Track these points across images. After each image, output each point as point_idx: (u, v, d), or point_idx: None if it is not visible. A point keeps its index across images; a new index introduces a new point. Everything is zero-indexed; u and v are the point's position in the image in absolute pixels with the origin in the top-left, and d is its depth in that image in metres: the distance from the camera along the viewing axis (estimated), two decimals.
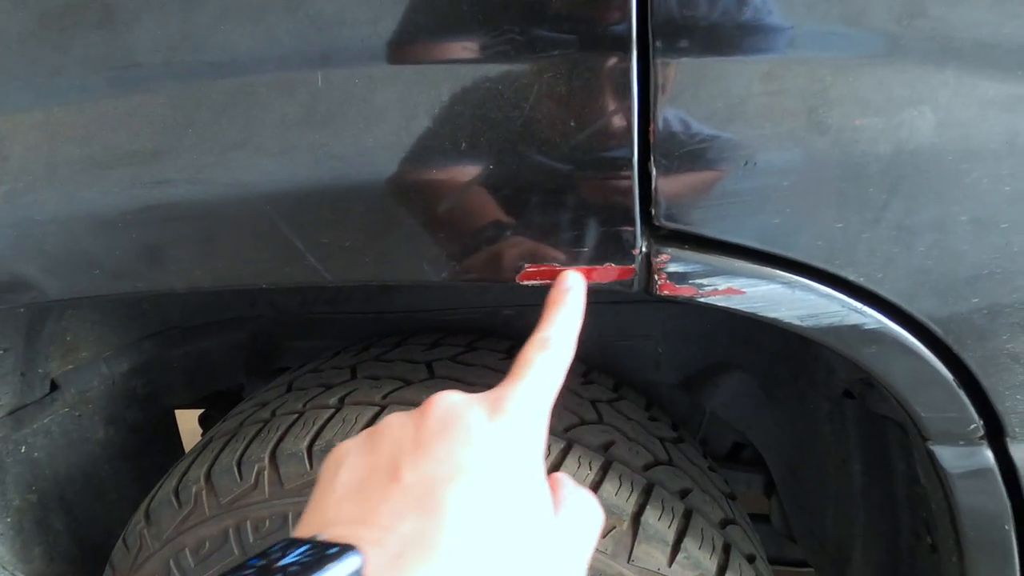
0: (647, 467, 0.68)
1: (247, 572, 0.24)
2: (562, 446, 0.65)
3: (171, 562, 0.70)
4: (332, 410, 0.68)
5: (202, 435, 1.30)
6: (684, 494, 0.68)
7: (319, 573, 0.23)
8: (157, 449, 1.10)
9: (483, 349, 0.81)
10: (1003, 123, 0.35)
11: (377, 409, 0.67)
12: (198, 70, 0.41)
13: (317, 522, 0.28)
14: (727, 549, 0.67)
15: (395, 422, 0.32)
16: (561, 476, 0.34)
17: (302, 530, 0.29)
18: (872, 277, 0.39)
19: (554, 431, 0.66)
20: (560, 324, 0.36)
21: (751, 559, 0.70)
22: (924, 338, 0.41)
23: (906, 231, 0.38)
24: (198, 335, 1.04)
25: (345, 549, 0.24)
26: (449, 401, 0.32)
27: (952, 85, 0.35)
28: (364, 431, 0.33)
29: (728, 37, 0.36)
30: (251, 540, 0.66)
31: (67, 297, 0.49)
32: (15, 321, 0.79)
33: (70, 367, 0.91)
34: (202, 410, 1.33)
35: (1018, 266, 0.38)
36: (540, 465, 0.31)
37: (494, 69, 0.38)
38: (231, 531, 0.66)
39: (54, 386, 0.89)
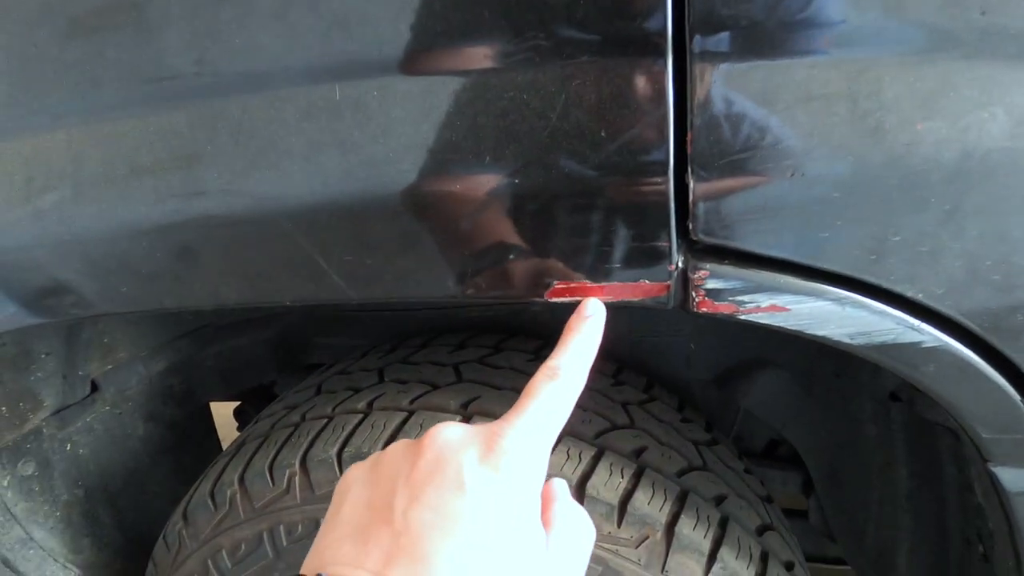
0: (681, 473, 0.66)
1: None
2: (593, 453, 0.63)
3: (208, 562, 0.71)
4: (361, 415, 0.68)
5: (237, 428, 1.33)
6: (719, 501, 0.66)
7: None
8: (194, 443, 1.13)
9: (510, 350, 0.79)
10: None
11: (405, 415, 0.66)
12: (214, 86, 0.40)
13: (318, 560, 0.29)
14: (764, 558, 0.65)
15: (396, 455, 0.32)
16: (555, 488, 0.34)
17: (307, 566, 0.30)
18: (932, 293, 0.36)
19: (584, 437, 0.65)
20: (573, 353, 0.35)
21: (789, 567, 0.68)
22: (989, 357, 0.38)
23: (971, 244, 0.35)
24: (230, 333, 1.05)
25: None
26: (444, 438, 0.31)
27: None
28: (373, 456, 0.34)
29: (772, 36, 0.33)
30: (284, 543, 0.67)
31: (90, 315, 0.49)
32: (55, 327, 0.81)
33: (109, 368, 0.94)
34: (238, 403, 1.36)
35: None
36: (534, 505, 0.31)
37: (518, 77, 0.36)
38: (265, 534, 0.67)
39: (94, 386, 0.92)
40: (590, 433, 0.65)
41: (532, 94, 0.36)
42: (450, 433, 0.32)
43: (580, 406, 0.67)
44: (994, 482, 0.42)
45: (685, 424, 0.77)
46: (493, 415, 0.65)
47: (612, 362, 0.83)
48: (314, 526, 0.65)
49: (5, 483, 0.84)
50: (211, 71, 0.39)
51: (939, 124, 0.33)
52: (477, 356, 0.78)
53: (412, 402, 0.68)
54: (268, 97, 0.39)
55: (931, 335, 0.37)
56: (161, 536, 0.78)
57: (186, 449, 1.11)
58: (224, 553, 0.70)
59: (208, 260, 0.45)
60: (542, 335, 0.86)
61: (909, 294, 0.36)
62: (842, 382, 0.80)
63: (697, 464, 0.69)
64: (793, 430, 0.91)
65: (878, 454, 0.78)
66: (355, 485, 0.32)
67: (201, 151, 0.41)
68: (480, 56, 0.36)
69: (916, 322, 0.37)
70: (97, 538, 1.00)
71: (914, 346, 0.38)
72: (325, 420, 0.69)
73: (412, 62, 0.37)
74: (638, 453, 0.65)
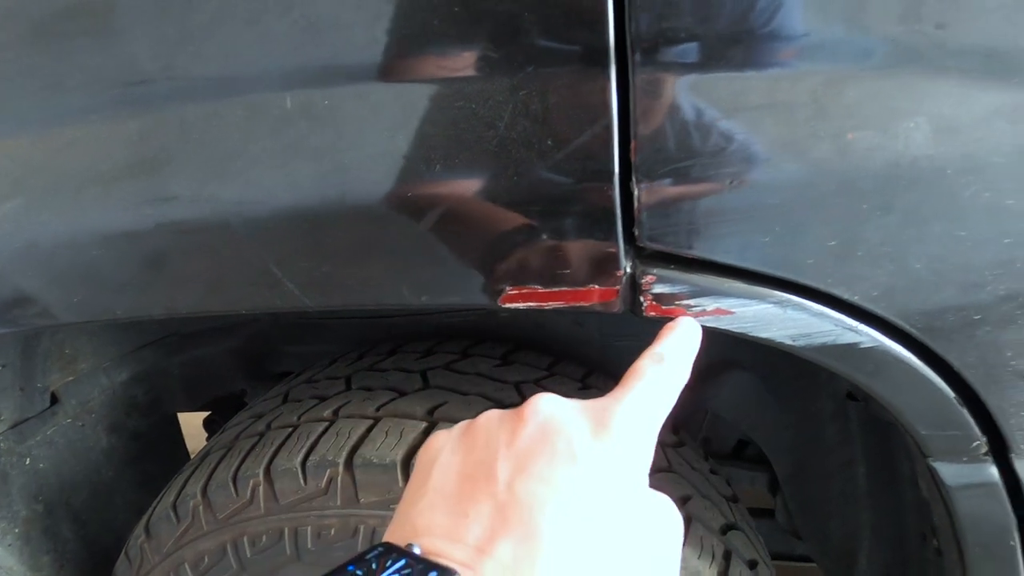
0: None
1: None
2: None
3: (172, 573, 0.70)
4: (326, 423, 0.67)
5: (207, 439, 1.31)
6: (684, 501, 0.67)
7: None
8: (161, 454, 1.11)
9: (477, 356, 0.80)
10: (1008, 134, 0.33)
11: (371, 422, 0.66)
12: (164, 94, 0.40)
13: (409, 528, 0.27)
14: (727, 556, 0.66)
15: (491, 423, 0.30)
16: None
17: (395, 534, 0.28)
18: (867, 295, 0.38)
19: None
20: (676, 343, 0.34)
21: (752, 565, 0.69)
22: (924, 356, 0.39)
23: (903, 247, 0.36)
24: (196, 342, 1.04)
25: (445, 573, 0.24)
26: (550, 409, 0.30)
27: (953, 95, 0.33)
28: (461, 425, 0.32)
29: (711, 50, 0.34)
30: (248, 555, 0.66)
31: (50, 324, 0.48)
32: (11, 337, 0.79)
33: (70, 379, 0.91)
34: (208, 412, 1.34)
35: (1016, 279, 0.36)
36: (645, 486, 0.29)
37: (467, 87, 0.36)
38: (228, 546, 0.66)
39: (54, 399, 0.90)
40: None
41: (481, 104, 0.36)
42: (554, 405, 0.30)
43: None
44: (934, 477, 0.44)
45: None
46: (457, 421, 0.65)
47: (580, 367, 0.84)
48: (278, 536, 0.64)
49: None
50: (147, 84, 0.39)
51: (869, 133, 0.34)
52: (444, 362, 0.78)
53: (378, 409, 0.68)
54: (224, 104, 0.39)
55: (868, 336, 0.39)
56: (123, 551, 0.77)
57: (152, 460, 1.09)
58: (187, 566, 0.69)
59: (166, 269, 0.44)
60: (509, 340, 0.87)
61: (845, 297, 0.38)
62: (803, 383, 0.82)
63: (663, 466, 0.70)
64: (758, 431, 0.92)
65: (838, 453, 0.80)
66: (444, 452, 0.30)
67: (161, 157, 0.41)
68: (430, 66, 0.37)
69: (853, 323, 0.39)
70: (58, 555, 0.97)
71: (852, 347, 0.39)
72: (290, 429, 0.68)
73: (363, 73, 0.37)
74: None
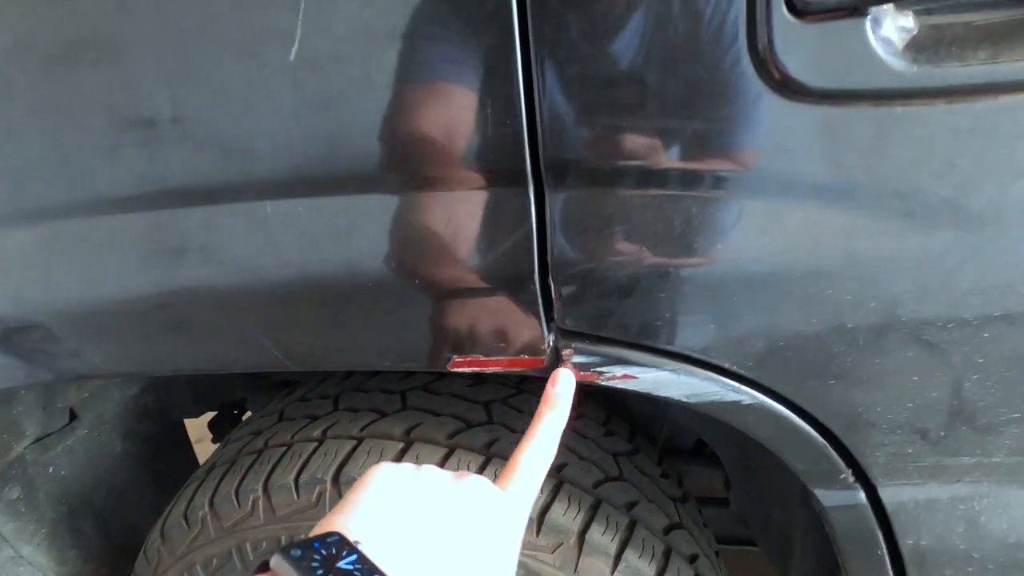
0: (596, 484, 0.77)
1: (313, 562, 0.28)
2: None
3: (185, 574, 0.80)
4: (316, 443, 0.77)
5: (212, 441, 1.41)
6: (631, 506, 0.77)
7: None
8: (170, 456, 1.21)
9: (451, 376, 0.88)
10: (841, 247, 0.41)
11: (355, 443, 0.75)
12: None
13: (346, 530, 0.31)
14: (667, 554, 0.76)
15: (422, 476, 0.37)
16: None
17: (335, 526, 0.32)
18: (744, 365, 0.46)
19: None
20: (559, 392, 0.44)
21: (692, 559, 0.79)
22: (795, 410, 0.48)
23: (768, 329, 0.45)
24: None
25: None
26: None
27: (799, 216, 0.41)
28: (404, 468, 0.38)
29: (604, 174, 0.42)
30: (251, 558, 0.76)
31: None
32: None
33: (86, 395, 1.01)
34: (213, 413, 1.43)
35: (863, 356, 0.44)
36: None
37: (416, 199, 0.45)
38: (234, 550, 0.76)
39: (73, 414, 0.99)
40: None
41: (426, 214, 0.45)
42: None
43: (512, 428, 0.77)
44: (813, 500, 0.53)
45: (608, 437, 0.87)
46: (433, 441, 0.74)
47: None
48: (276, 543, 0.74)
49: None
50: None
51: (729, 244, 0.42)
52: (422, 382, 0.87)
53: (362, 430, 0.77)
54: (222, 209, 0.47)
55: (748, 395, 0.47)
56: (142, 551, 0.87)
57: (162, 461, 1.19)
58: (198, 567, 0.79)
59: (175, 339, 0.53)
60: None
61: (727, 366, 0.46)
62: None
63: (613, 475, 0.80)
64: (710, 433, 1.02)
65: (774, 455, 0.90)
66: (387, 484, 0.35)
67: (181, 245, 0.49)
68: (388, 181, 0.45)
69: (735, 385, 0.47)
70: (82, 549, 1.08)
71: (736, 404, 0.48)
72: (284, 448, 0.78)
73: (336, 185, 0.45)
74: (559, 469, 0.76)
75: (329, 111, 0.42)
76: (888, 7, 0.35)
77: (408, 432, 0.76)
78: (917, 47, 0.35)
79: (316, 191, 0.45)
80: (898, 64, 0.35)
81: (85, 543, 1.08)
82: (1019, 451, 0.47)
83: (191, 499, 0.80)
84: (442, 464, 0.71)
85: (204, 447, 1.23)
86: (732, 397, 0.47)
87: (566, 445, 0.80)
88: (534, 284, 0.45)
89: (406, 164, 0.44)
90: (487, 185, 0.43)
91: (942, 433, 0.47)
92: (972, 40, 0.35)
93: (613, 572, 0.69)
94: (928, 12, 0.35)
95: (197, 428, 1.28)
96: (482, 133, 0.41)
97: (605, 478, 0.78)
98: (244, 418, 1.26)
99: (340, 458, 0.73)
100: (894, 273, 0.41)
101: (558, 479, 0.74)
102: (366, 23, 0.39)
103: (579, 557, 0.69)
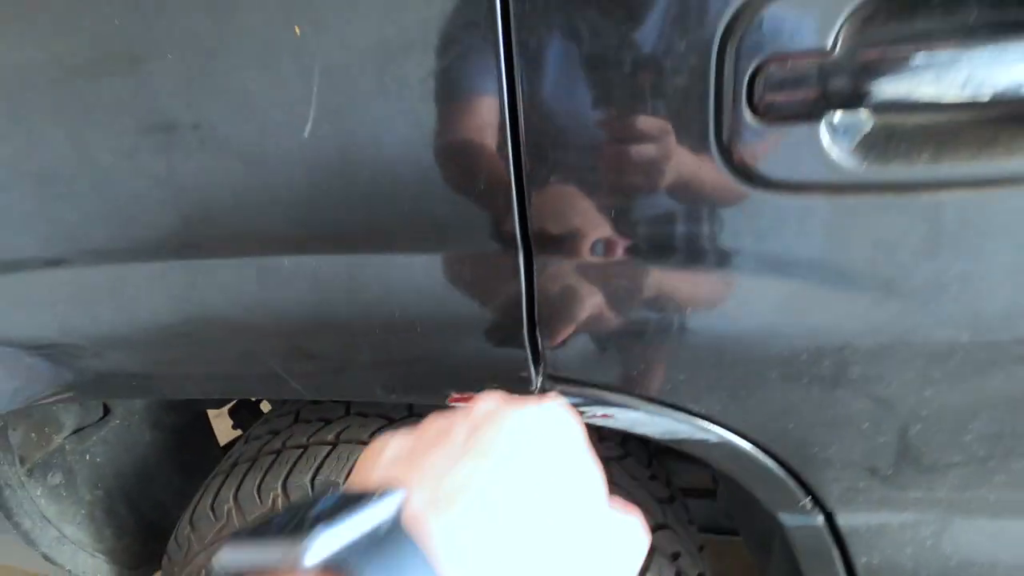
0: None
1: (278, 519, 0.23)
2: None
3: (213, 560, 0.89)
4: (329, 447, 0.84)
5: (232, 426, 1.50)
6: None
7: (356, 510, 0.22)
8: (195, 443, 1.30)
9: None
10: (797, 314, 0.46)
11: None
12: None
13: (359, 486, 0.26)
14: (651, 553, 0.82)
15: (439, 418, 0.31)
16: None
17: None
18: (711, 409, 0.51)
19: None
20: None
21: (675, 556, 0.86)
22: (757, 446, 0.53)
23: (733, 380, 0.50)
24: None
25: (386, 490, 0.23)
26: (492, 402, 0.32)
27: (759, 286, 0.45)
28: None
29: (584, 245, 0.46)
30: None
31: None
32: None
33: None
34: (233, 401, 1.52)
35: (818, 406, 0.49)
36: (589, 451, 0.31)
37: (417, 259, 0.50)
38: None
39: (106, 408, 1.07)
40: None
41: (426, 273, 0.50)
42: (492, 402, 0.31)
43: None
44: (776, 522, 0.59)
45: (601, 443, 0.93)
46: None
47: None
48: None
49: (38, 492, 1.01)
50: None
51: (699, 307, 0.47)
52: None
53: (371, 435, 0.84)
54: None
55: (715, 434, 0.53)
56: (172, 537, 0.96)
57: (188, 449, 1.28)
58: None
59: (204, 369, 0.59)
60: None
61: (694, 409, 0.51)
62: None
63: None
64: None
65: None
66: (393, 440, 0.29)
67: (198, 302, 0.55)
68: (394, 241, 0.50)
69: (704, 425, 0.52)
70: (117, 528, 1.18)
71: (704, 441, 0.53)
72: (301, 450, 0.85)
73: (347, 244, 0.50)
74: None
75: (344, 181, 0.47)
76: (839, 112, 0.39)
77: None
78: (867, 147, 0.39)
79: (332, 250, 0.51)
80: (848, 162, 0.40)
81: (119, 522, 1.18)
82: (961, 487, 0.52)
83: (217, 492, 0.88)
84: None
85: (221, 421, 1.31)
86: (700, 436, 0.53)
87: None
88: (523, 336, 0.50)
89: (419, 230, 0.49)
90: (485, 249, 0.48)
91: (890, 471, 0.52)
92: (918, 142, 0.39)
93: None
94: (877, 113, 0.39)
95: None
96: (483, 208, 0.46)
97: None
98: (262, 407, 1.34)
99: (352, 462, 0.80)
100: (845, 338, 0.46)
101: None
102: (378, 111, 0.44)
103: None
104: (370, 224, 0.49)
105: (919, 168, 0.39)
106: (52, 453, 1.01)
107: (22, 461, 0.95)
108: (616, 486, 0.86)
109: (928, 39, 0.35)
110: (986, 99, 0.34)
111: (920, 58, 0.34)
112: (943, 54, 0.34)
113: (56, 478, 1.04)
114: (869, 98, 0.36)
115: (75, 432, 1.04)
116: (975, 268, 0.41)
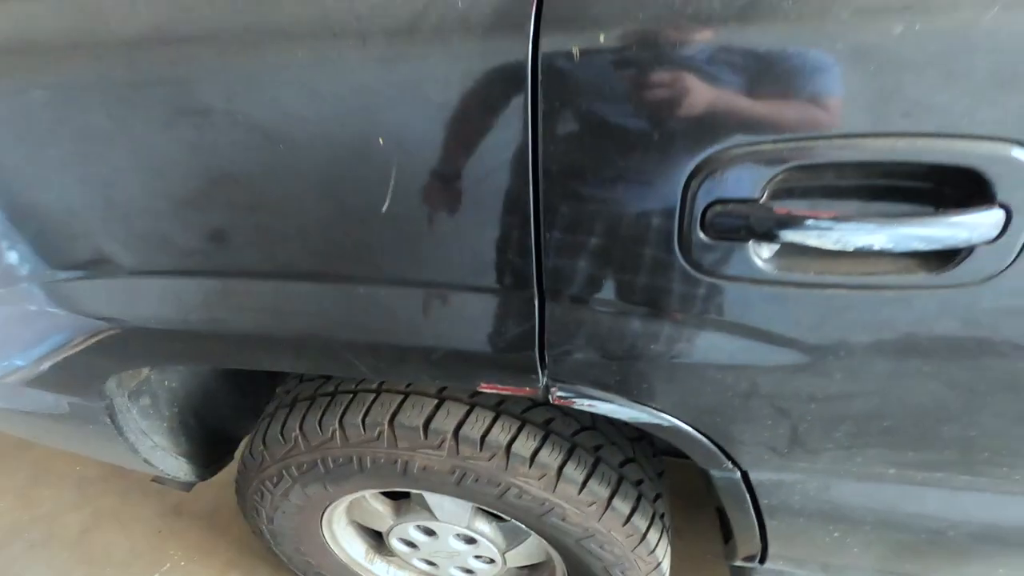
0: (574, 433, 1.07)
1: None
2: (517, 424, 1.03)
3: (283, 471, 1.15)
4: (374, 394, 1.06)
5: None
6: (596, 448, 1.08)
7: None
8: (247, 371, 1.53)
9: None
10: (727, 354, 0.65)
11: (403, 396, 1.05)
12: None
13: None
14: (620, 481, 1.08)
15: None
16: None
17: None
18: (665, 404, 0.73)
19: (536, 422, 1.04)
20: None
21: (638, 483, 1.12)
22: (695, 429, 0.76)
23: (681, 389, 0.70)
24: None
25: None
26: None
27: (704, 334, 0.65)
28: None
29: (582, 296, 0.65)
30: (332, 467, 1.09)
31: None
32: None
33: None
34: None
35: (738, 408, 0.71)
36: None
37: (450, 295, 0.69)
38: (319, 461, 1.09)
39: None
40: (539, 419, 1.05)
41: (458, 313, 0.69)
42: None
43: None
44: (709, 476, 0.83)
45: None
46: (457, 400, 1.03)
47: None
48: (349, 460, 1.07)
49: (135, 412, 1.25)
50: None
51: (661, 343, 0.66)
52: None
53: (407, 386, 1.06)
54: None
55: (667, 419, 0.75)
56: (247, 450, 1.22)
57: (240, 376, 1.52)
58: (293, 468, 1.13)
59: (284, 349, 0.80)
60: None
61: (653, 404, 0.73)
62: None
63: (587, 424, 1.10)
64: None
65: None
66: None
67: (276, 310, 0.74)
68: (437, 277, 0.68)
69: (659, 415, 0.74)
70: (189, 437, 1.44)
71: (659, 425, 0.75)
72: (351, 395, 1.08)
73: (402, 279, 0.69)
74: (547, 423, 1.06)
75: (415, 243, 0.65)
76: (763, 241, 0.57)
77: (440, 391, 1.05)
78: (779, 257, 0.58)
79: (401, 285, 0.69)
80: (766, 266, 0.58)
81: (190, 432, 1.44)
82: (832, 462, 0.76)
83: (284, 421, 1.12)
84: (464, 413, 1.01)
85: None
86: (656, 421, 0.75)
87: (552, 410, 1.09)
88: (535, 353, 0.70)
89: (463, 274, 0.67)
90: (508, 290, 0.67)
91: (785, 450, 0.75)
92: (814, 260, 0.57)
93: (579, 493, 1.02)
94: (784, 240, 0.57)
95: None
96: (509, 260, 0.64)
97: (580, 428, 1.08)
98: None
99: (393, 407, 1.03)
100: (758, 371, 0.66)
101: (546, 431, 1.04)
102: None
103: (556, 484, 1.01)
104: (433, 274, 0.67)
105: (810, 275, 0.57)
106: (142, 382, 1.25)
107: (123, 391, 1.18)
108: (596, 430, 1.10)
109: (816, 208, 0.52)
110: (850, 250, 0.52)
111: (810, 221, 0.52)
112: (825, 221, 0.51)
113: (145, 400, 1.28)
114: (778, 236, 0.54)
115: (156, 366, 1.26)
116: (844, 336, 0.61)
